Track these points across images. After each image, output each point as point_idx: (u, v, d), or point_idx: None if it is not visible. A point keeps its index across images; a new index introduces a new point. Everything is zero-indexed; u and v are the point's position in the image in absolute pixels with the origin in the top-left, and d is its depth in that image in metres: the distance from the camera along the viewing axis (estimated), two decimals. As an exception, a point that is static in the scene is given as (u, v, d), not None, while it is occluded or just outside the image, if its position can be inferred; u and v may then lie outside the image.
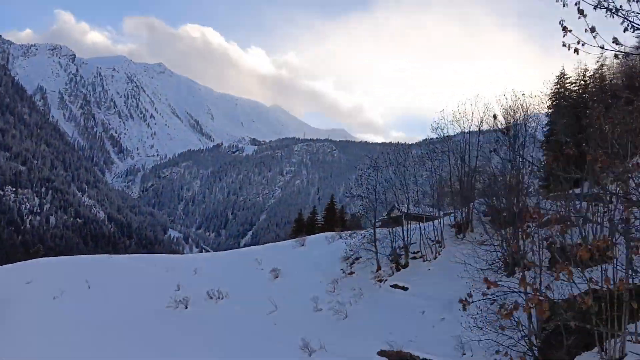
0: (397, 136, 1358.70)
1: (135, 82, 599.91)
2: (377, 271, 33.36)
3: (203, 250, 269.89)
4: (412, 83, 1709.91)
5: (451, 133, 36.14)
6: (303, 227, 67.97)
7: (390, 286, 30.71)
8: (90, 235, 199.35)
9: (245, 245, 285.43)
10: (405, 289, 29.54)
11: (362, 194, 35.99)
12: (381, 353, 21.33)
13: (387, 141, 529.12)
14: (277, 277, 37.96)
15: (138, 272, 45.02)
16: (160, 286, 38.95)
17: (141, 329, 30.35)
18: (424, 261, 32.24)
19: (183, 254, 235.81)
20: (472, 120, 33.97)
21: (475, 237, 30.05)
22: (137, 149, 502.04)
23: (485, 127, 33.85)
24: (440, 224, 34.15)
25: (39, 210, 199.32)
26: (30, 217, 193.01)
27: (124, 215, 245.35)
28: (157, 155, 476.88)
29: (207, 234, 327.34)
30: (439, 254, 31.99)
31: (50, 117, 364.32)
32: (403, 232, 33.03)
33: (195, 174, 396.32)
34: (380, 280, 31.99)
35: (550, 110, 34.57)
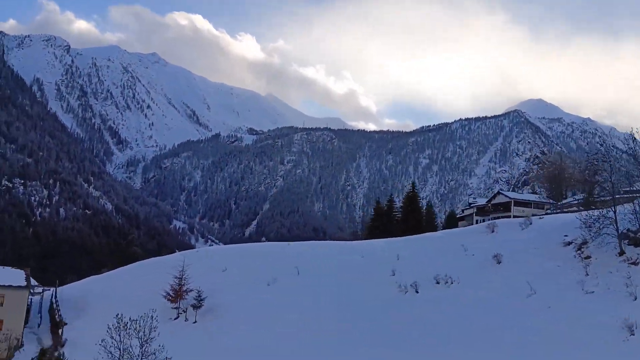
0: (390, 123, 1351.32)
1: (131, 73, 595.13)
2: (620, 255, 32.44)
3: (209, 241, 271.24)
4: (400, 69, 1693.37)
5: None
6: (383, 217, 67.29)
7: None
8: (101, 226, 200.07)
9: (250, 235, 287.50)
10: None
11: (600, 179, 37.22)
12: None
13: (384, 129, 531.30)
14: (499, 263, 38.20)
15: (334, 259, 44.19)
16: (367, 272, 39.25)
17: (375, 314, 30.75)
18: None
19: (190, 244, 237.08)
20: None
21: None
22: (136, 140, 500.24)
23: None
24: None
25: (48, 202, 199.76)
26: (40, 209, 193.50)
27: (130, 206, 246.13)
28: (156, 145, 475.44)
29: (211, 224, 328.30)
30: None
31: (49, 108, 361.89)
32: None
33: (196, 164, 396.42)
34: (634, 263, 31.12)
35: None
